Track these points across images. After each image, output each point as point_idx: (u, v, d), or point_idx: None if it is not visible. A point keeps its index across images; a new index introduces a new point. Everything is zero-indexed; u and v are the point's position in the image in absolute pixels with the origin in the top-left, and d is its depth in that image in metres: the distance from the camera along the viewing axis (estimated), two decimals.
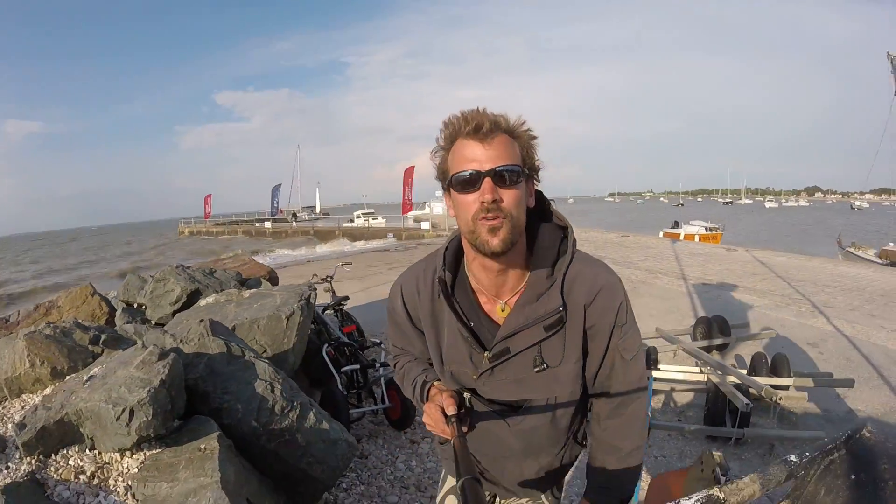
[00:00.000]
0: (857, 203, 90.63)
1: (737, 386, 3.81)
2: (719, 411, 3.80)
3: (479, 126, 0.99)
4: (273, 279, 6.62)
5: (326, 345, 4.24)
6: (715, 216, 41.31)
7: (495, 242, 0.99)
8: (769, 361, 4.35)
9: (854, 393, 4.34)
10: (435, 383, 1.19)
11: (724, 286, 9.36)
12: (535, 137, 1.06)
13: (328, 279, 6.01)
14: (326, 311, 5.43)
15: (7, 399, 3.16)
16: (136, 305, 5.29)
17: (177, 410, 2.24)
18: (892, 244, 18.07)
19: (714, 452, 1.51)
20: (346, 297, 5.73)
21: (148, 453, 2.19)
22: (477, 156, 0.99)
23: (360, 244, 27.13)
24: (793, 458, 1.18)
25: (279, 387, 2.46)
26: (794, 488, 1.18)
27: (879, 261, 16.58)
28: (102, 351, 3.20)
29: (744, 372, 4.28)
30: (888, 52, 19.49)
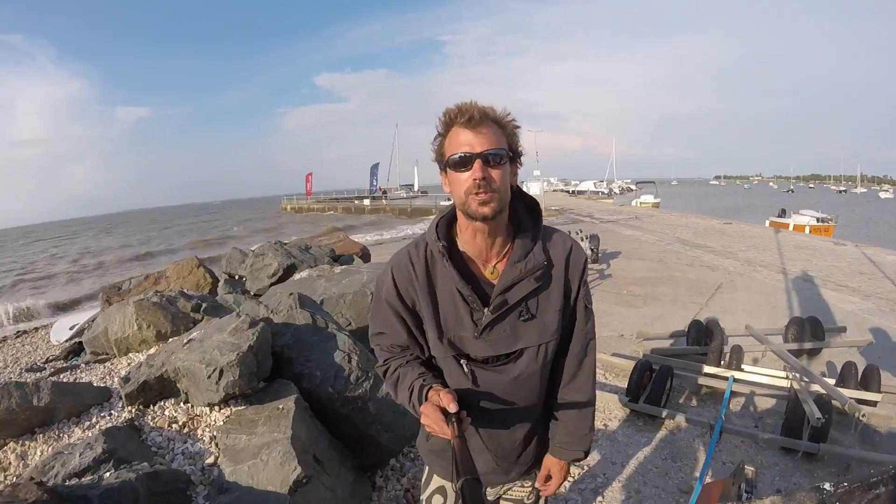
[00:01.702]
0: None
1: (819, 397, 3.62)
2: (798, 421, 3.60)
3: (470, 116, 1.16)
4: (365, 256, 6.98)
5: None
6: (828, 205, 37.58)
7: (486, 210, 1.17)
8: (859, 373, 4.06)
9: None
10: (434, 385, 1.23)
11: (826, 284, 8.67)
12: (518, 127, 1.24)
13: None
14: None
15: (116, 357, 3.66)
16: (237, 277, 5.82)
17: (263, 373, 2.54)
18: None
19: (747, 467, 1.52)
20: None
21: (234, 409, 2.52)
22: (469, 140, 1.16)
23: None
24: (827, 486, 1.15)
25: (356, 358, 2.70)
26: None
27: None
28: (203, 318, 3.63)
29: (831, 382, 4.04)
30: None
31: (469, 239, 1.28)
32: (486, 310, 1.25)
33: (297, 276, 4.63)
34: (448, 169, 1.22)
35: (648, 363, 4.36)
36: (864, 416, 3.38)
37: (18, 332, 9.98)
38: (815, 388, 3.86)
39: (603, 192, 59.60)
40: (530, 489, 1.55)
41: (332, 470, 2.34)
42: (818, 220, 24.53)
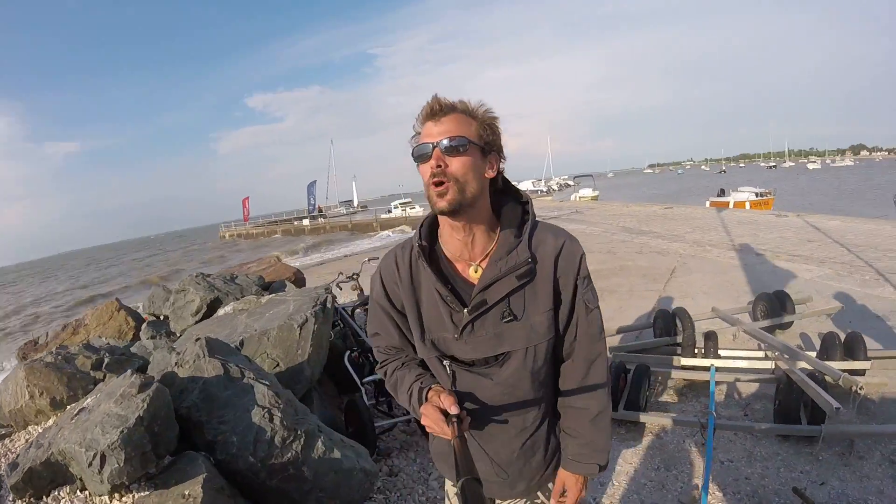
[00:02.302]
0: None
1: (810, 374, 3.34)
2: (792, 406, 3.31)
3: (431, 108, 1.15)
4: (299, 280, 6.41)
5: (349, 351, 3.96)
6: (761, 181, 39.34)
7: (442, 203, 1.12)
8: (842, 341, 3.84)
9: None
10: (433, 386, 1.22)
11: (778, 256, 8.70)
12: (495, 118, 1.19)
13: (354, 277, 5.72)
14: (356, 313, 5.14)
15: (15, 431, 3.02)
16: (161, 318, 5.19)
17: (165, 447, 1.99)
18: None
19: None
20: None
21: (136, 495, 1.96)
22: (430, 132, 1.14)
23: (397, 234, 27.06)
24: None
25: (279, 414, 2.17)
26: None
27: None
28: (105, 376, 3.02)
29: (813, 355, 3.80)
30: None
31: (448, 238, 1.25)
32: (464, 311, 1.21)
33: (221, 312, 4.05)
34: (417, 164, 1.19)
35: (622, 364, 4.00)
36: (861, 388, 3.12)
37: None
38: (802, 364, 3.58)
39: (542, 191, 60.58)
40: None
41: None
42: (757, 194, 25.48)
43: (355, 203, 73.85)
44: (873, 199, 26.32)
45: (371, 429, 3.26)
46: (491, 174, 1.21)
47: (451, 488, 1.52)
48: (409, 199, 49.36)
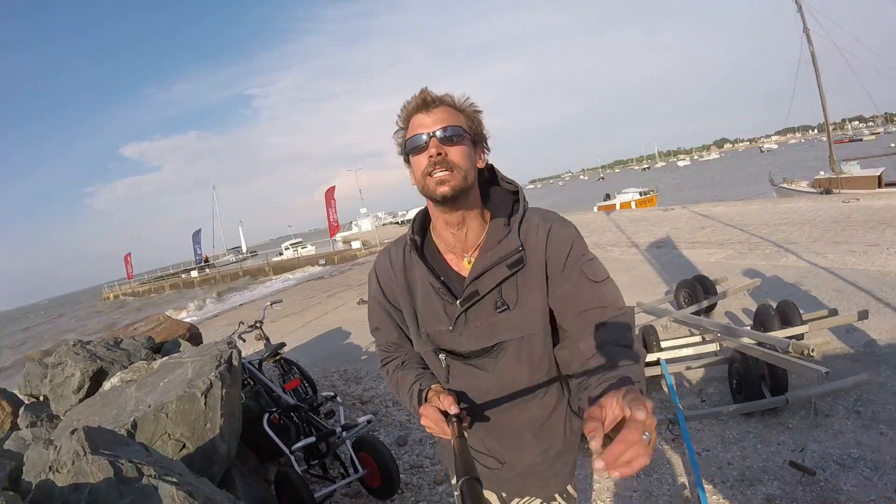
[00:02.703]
0: (766, 146, 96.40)
1: (771, 348, 3.30)
2: (752, 381, 3.24)
3: (424, 101, 1.16)
4: (194, 337, 5.60)
5: (267, 413, 3.37)
6: (638, 183, 42.55)
7: (444, 189, 1.11)
8: (775, 311, 3.87)
9: (863, 323, 3.99)
10: (433, 386, 1.22)
11: (679, 245, 9.13)
12: (479, 111, 1.21)
13: (258, 325, 5.03)
14: (263, 365, 4.48)
15: None
16: (41, 399, 4.24)
17: None
18: (822, 173, 18.45)
19: None
20: (283, 344, 4.76)
21: None
22: (424, 123, 1.14)
23: (297, 274, 25.90)
24: None
25: None
26: None
27: (814, 190, 17.09)
28: None
29: (749, 329, 3.82)
30: None
31: (441, 230, 1.24)
32: (457, 302, 1.18)
33: (107, 387, 3.30)
34: (409, 157, 1.18)
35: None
36: (812, 350, 3.10)
37: None
38: (746, 340, 3.53)
39: None
40: None
41: None
42: (641, 193, 27.42)
43: (244, 249, 70.14)
44: (747, 183, 29.22)
45: (311, 502, 2.71)
46: (480, 164, 1.22)
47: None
48: (300, 239, 48.04)
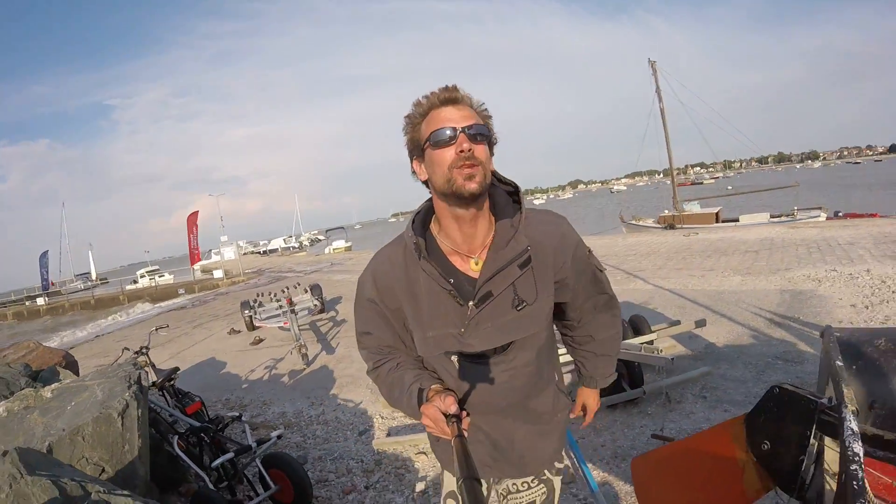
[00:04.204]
0: (616, 187, 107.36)
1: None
2: (616, 380, 3.89)
3: (453, 97, 1.17)
4: (71, 364, 5.16)
5: (174, 436, 3.32)
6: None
7: (473, 185, 1.12)
8: (628, 324, 4.63)
9: (704, 330, 4.91)
10: (432, 386, 1.22)
11: None
12: (490, 116, 1.22)
13: (143, 351, 4.79)
14: (150, 391, 4.30)
15: None
16: None
17: None
18: (666, 210, 21.44)
19: (783, 385, 1.43)
20: (177, 369, 4.62)
21: None
22: (453, 117, 1.14)
23: (158, 306, 23.76)
24: (838, 362, 1.32)
25: None
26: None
27: (659, 226, 19.72)
28: None
29: None
30: (649, 59, 23.63)
31: (449, 231, 1.24)
32: (469, 303, 1.21)
33: None
34: (428, 149, 1.17)
35: None
36: (661, 351, 3.81)
37: None
38: None
39: (294, 247, 60.87)
40: (543, 490, 1.46)
41: None
42: None
43: (93, 275, 63.08)
44: (599, 219, 32.31)
45: None
46: (492, 167, 1.24)
47: (453, 485, 1.50)
48: (157, 267, 44.28)
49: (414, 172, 1.25)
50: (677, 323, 4.91)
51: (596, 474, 3.07)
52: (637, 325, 4.59)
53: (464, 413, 1.12)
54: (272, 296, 9.91)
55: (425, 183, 1.23)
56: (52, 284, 47.67)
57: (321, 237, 70.12)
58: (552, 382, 1.41)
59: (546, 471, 1.45)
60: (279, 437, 3.40)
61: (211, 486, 3.07)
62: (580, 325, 1.43)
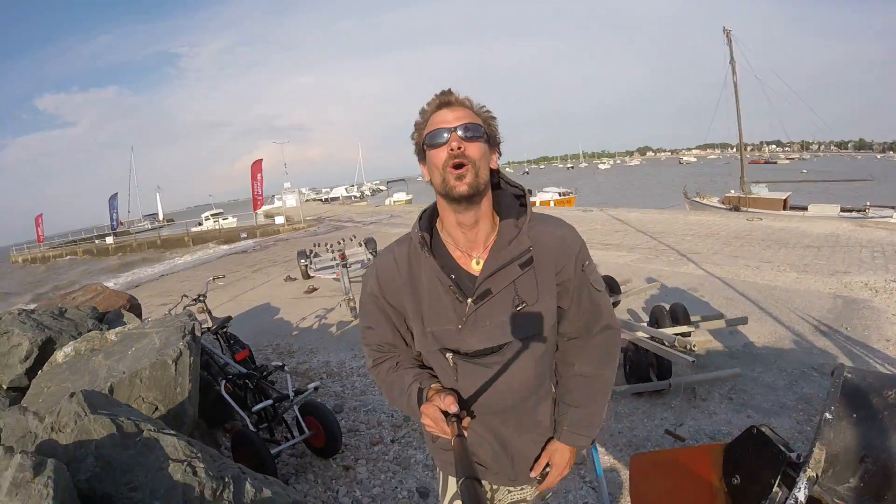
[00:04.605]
0: (685, 158, 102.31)
1: (655, 340, 3.95)
2: (641, 367, 3.94)
3: (447, 100, 1.21)
4: (135, 307, 5.66)
5: (222, 380, 3.64)
6: (561, 181, 44.13)
7: (462, 187, 1.14)
8: (668, 311, 4.58)
9: (745, 327, 4.77)
10: (432, 386, 1.25)
11: (593, 245, 9.97)
12: (494, 118, 1.25)
13: (200, 298, 5.20)
14: (204, 337, 4.69)
15: None
16: None
17: None
18: (732, 191, 20.20)
19: (761, 427, 1.43)
20: (229, 318, 5.02)
21: None
22: (446, 118, 1.18)
23: (222, 248, 25.04)
24: (828, 415, 1.30)
25: (201, 464, 1.94)
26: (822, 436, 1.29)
27: (724, 206, 18.69)
28: None
29: (645, 325, 4.47)
30: (724, 26, 21.92)
31: (451, 229, 1.26)
32: (468, 300, 1.22)
33: (60, 356, 3.40)
34: (426, 151, 1.21)
35: None
36: (694, 346, 3.76)
37: None
38: (640, 334, 4.18)
39: (356, 196, 61.44)
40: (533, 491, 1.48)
41: None
42: (560, 194, 28.69)
43: (160, 216, 67.48)
44: (662, 193, 31.13)
45: (270, 459, 3.06)
46: (493, 165, 1.25)
47: (455, 488, 1.47)
48: (221, 210, 46.09)
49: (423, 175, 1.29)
50: (719, 316, 4.80)
51: (606, 459, 3.16)
52: (676, 314, 4.54)
53: (463, 413, 1.13)
54: (328, 247, 10.23)
55: (431, 183, 1.25)
56: (121, 224, 50.85)
57: (383, 188, 71.13)
58: (552, 395, 1.40)
59: (540, 475, 1.44)
60: (316, 388, 3.71)
61: (252, 426, 3.38)
62: (568, 344, 1.37)
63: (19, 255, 44.80)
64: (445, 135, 1.16)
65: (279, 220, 30.51)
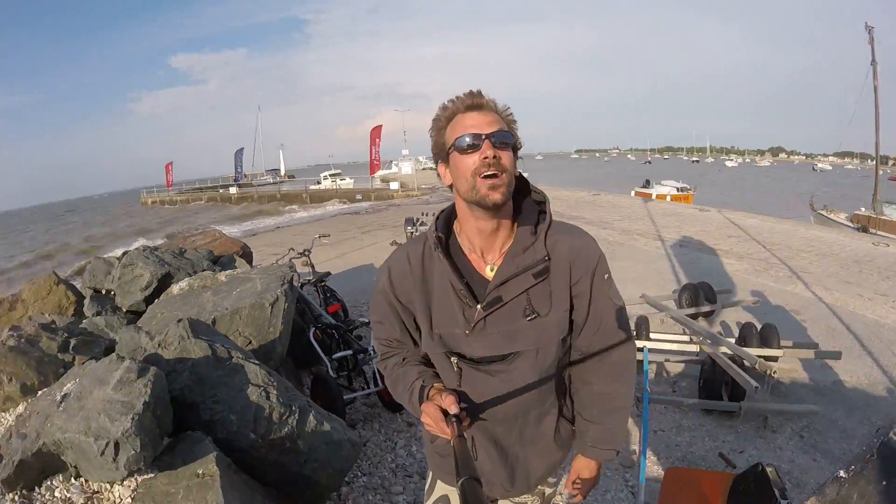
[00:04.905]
0: (820, 165, 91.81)
1: (731, 358, 3.80)
2: (715, 384, 3.80)
3: (478, 102, 1.16)
4: (247, 255, 6.36)
5: (313, 327, 4.06)
6: (683, 174, 41.58)
7: (496, 196, 1.11)
8: (758, 331, 4.35)
9: (838, 363, 4.37)
10: (434, 385, 1.22)
11: (702, 248, 9.44)
12: (514, 122, 1.21)
13: (306, 253, 5.74)
14: (305, 288, 5.22)
15: None
16: (104, 292, 4.98)
17: (165, 430, 2.04)
18: (863, 209, 18.11)
19: (767, 467, 1.42)
20: (328, 273, 5.50)
21: (140, 479, 1.99)
22: (477, 123, 1.14)
23: (332, 207, 26.61)
24: (842, 473, 1.24)
25: (275, 392, 2.28)
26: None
27: (851, 225, 16.84)
28: (73, 358, 2.97)
29: (732, 341, 4.27)
30: (866, 23, 19.57)
31: (470, 233, 1.24)
32: (478, 306, 1.19)
33: (175, 289, 3.99)
34: (452, 154, 1.17)
35: None
36: (774, 372, 3.57)
37: None
38: (723, 349, 4.03)
39: None
40: (536, 501, 1.48)
41: None
42: (678, 189, 27.07)
43: (282, 172, 71.90)
44: (788, 201, 28.34)
45: (341, 402, 3.40)
46: (516, 172, 1.22)
47: (442, 490, 1.48)
48: (339, 171, 48.18)
49: (439, 176, 1.26)
50: (814, 346, 4.44)
51: (654, 469, 3.15)
52: (766, 336, 4.28)
53: (464, 414, 1.11)
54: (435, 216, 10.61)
55: (450, 187, 1.23)
56: (245, 177, 55.54)
57: None
58: (556, 410, 1.36)
59: (540, 485, 1.45)
60: None
61: (332, 372, 3.75)
62: (583, 359, 1.33)
63: (149, 196, 50.56)
64: (478, 141, 1.12)
65: (394, 185, 31.39)
